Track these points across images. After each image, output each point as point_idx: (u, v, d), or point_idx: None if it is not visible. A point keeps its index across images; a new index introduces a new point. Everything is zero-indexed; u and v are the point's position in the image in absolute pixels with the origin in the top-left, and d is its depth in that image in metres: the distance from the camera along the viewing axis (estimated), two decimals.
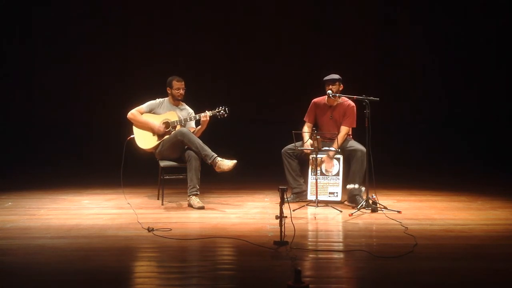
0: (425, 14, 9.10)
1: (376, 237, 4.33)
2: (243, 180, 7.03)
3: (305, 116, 5.81)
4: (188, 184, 5.36)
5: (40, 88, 9.09)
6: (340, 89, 5.59)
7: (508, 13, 8.86)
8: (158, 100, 5.77)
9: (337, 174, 5.56)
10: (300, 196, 5.60)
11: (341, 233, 4.50)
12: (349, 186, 5.40)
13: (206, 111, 5.57)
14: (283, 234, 3.79)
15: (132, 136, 5.64)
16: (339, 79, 5.56)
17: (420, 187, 6.59)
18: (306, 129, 5.72)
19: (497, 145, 8.78)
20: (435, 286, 3.11)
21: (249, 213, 5.12)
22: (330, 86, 5.52)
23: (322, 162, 5.54)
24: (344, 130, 5.60)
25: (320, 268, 3.48)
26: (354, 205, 5.29)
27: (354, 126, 5.64)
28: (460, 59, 9.03)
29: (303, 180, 5.64)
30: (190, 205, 5.33)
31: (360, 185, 5.36)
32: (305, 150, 5.54)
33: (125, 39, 9.08)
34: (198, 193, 5.36)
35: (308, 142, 5.53)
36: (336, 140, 5.44)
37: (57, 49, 9.02)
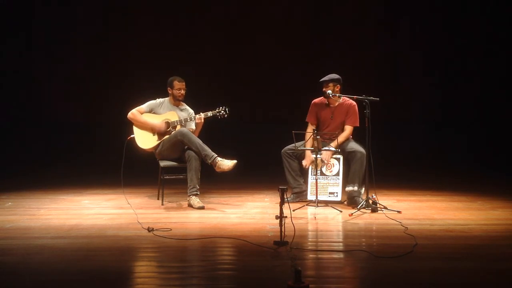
0: (425, 13, 9.11)
1: (376, 237, 4.33)
2: (243, 180, 7.03)
3: (307, 117, 5.80)
4: (188, 184, 5.36)
5: (40, 87, 9.10)
6: (337, 89, 5.58)
7: (507, 13, 8.87)
8: (158, 100, 5.77)
9: (337, 174, 5.56)
10: (300, 196, 5.60)
11: (341, 233, 4.50)
12: (348, 188, 5.39)
13: (201, 113, 5.57)
14: (283, 234, 3.79)
15: (132, 136, 5.64)
16: (332, 80, 5.53)
17: (420, 187, 6.59)
18: (309, 131, 5.71)
19: (497, 145, 8.78)
20: (435, 286, 3.11)
21: (249, 213, 5.11)
22: (324, 88, 5.55)
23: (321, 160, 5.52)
24: (348, 129, 5.60)
25: (320, 268, 3.48)
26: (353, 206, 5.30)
27: (357, 124, 5.63)
28: (460, 59, 9.04)
29: (303, 180, 5.64)
30: (190, 205, 5.33)
31: (359, 187, 5.36)
32: (304, 163, 5.53)
33: (126, 39, 9.09)
34: (198, 193, 5.36)
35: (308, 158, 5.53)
36: (336, 139, 5.42)
37: (58, 48, 9.04)
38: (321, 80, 5.59)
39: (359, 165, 5.36)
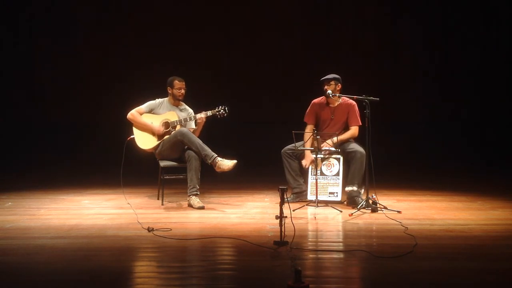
0: (425, 13, 9.12)
1: (376, 237, 4.33)
2: (243, 180, 7.03)
3: (305, 118, 5.79)
4: (188, 184, 5.36)
5: (40, 88, 9.11)
6: (338, 88, 5.58)
7: (508, 12, 8.88)
8: (158, 100, 5.77)
9: (337, 174, 5.56)
10: (300, 196, 5.60)
11: (341, 233, 4.50)
12: (348, 189, 5.38)
13: (203, 112, 5.56)
14: (283, 234, 3.79)
15: (132, 136, 5.64)
16: (334, 78, 5.55)
17: (420, 187, 6.59)
18: (308, 131, 5.70)
19: (497, 145, 8.78)
20: (435, 286, 3.11)
21: (249, 213, 5.11)
22: (326, 86, 5.53)
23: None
24: (353, 129, 5.59)
25: (320, 268, 3.48)
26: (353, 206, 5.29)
27: (360, 123, 5.62)
28: (460, 59, 9.04)
29: (303, 180, 5.64)
30: (190, 205, 5.33)
31: (359, 187, 5.36)
32: (303, 163, 5.53)
33: (126, 39, 9.09)
34: (198, 193, 5.36)
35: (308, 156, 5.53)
36: (336, 135, 5.41)
37: (58, 49, 9.04)
38: (322, 78, 5.58)
39: (358, 165, 5.36)
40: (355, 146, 5.52)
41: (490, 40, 9.01)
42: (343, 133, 5.60)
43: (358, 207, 5.03)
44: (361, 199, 5.24)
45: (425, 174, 7.85)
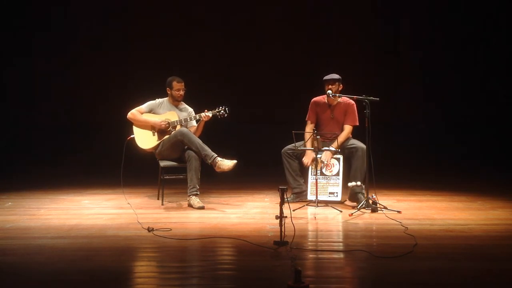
0: (425, 14, 9.12)
1: (376, 237, 4.33)
2: (243, 180, 7.03)
3: (307, 116, 5.79)
4: (188, 184, 5.36)
5: (40, 88, 9.11)
6: (340, 89, 5.58)
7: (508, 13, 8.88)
8: (157, 100, 5.77)
9: (337, 174, 5.55)
10: (300, 196, 5.60)
11: (341, 233, 4.50)
12: (351, 184, 5.38)
13: (206, 110, 5.56)
14: (283, 234, 3.79)
15: (132, 136, 5.64)
16: (339, 79, 5.55)
17: (420, 187, 6.59)
18: (309, 130, 5.70)
19: (497, 145, 8.78)
20: (435, 286, 3.11)
21: (249, 213, 5.12)
22: (330, 86, 5.51)
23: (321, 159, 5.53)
24: (347, 128, 5.59)
25: (320, 268, 3.48)
26: (355, 203, 5.29)
27: (357, 123, 5.62)
28: (460, 59, 9.04)
29: (303, 180, 5.64)
30: (190, 205, 5.33)
31: (361, 182, 5.35)
32: (304, 161, 5.53)
33: (126, 39, 9.09)
34: (198, 193, 5.36)
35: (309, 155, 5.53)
36: (336, 140, 5.43)
37: (58, 49, 9.04)
38: (327, 78, 5.54)
39: (361, 161, 5.36)
40: (355, 142, 5.53)
41: (491, 40, 9.01)
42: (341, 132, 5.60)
43: (358, 207, 5.03)
44: (363, 195, 5.24)
45: (425, 174, 7.85)
